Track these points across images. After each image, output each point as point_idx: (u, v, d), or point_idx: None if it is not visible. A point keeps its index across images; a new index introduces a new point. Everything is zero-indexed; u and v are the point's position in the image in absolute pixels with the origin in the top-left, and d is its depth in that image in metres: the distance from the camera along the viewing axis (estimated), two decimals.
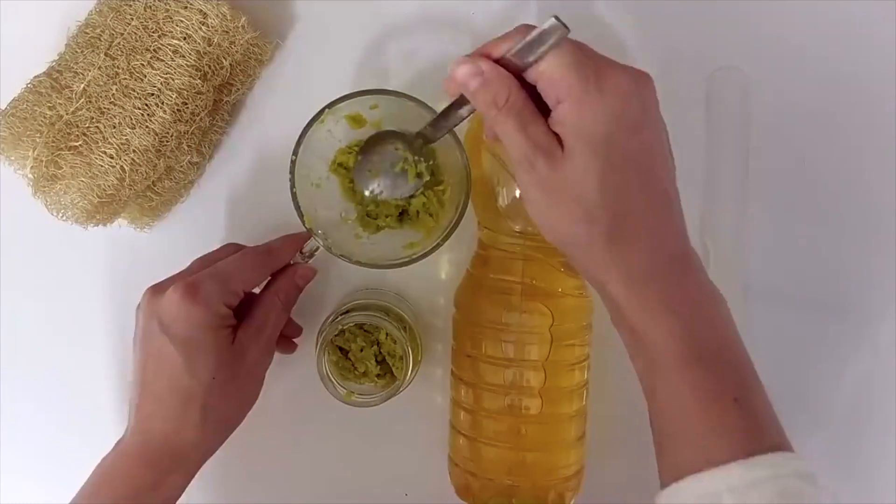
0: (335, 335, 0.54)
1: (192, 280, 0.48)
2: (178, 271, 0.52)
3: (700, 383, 0.40)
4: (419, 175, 0.51)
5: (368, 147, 0.51)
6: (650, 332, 0.41)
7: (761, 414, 0.41)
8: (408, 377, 0.54)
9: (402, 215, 0.54)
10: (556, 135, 0.40)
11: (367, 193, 0.52)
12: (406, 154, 0.50)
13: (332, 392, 0.53)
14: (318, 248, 0.52)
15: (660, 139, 0.41)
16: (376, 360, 0.55)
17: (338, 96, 0.50)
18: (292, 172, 0.50)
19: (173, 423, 0.49)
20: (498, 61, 0.40)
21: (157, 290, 0.49)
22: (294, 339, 0.57)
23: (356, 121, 0.53)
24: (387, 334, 0.55)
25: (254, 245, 0.53)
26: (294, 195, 0.50)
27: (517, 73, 0.40)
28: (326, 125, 0.51)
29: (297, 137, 0.50)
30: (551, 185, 0.40)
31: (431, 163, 0.51)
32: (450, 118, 0.45)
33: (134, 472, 0.49)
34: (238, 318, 0.50)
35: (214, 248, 0.54)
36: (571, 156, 0.39)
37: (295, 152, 0.50)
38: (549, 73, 0.39)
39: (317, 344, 0.54)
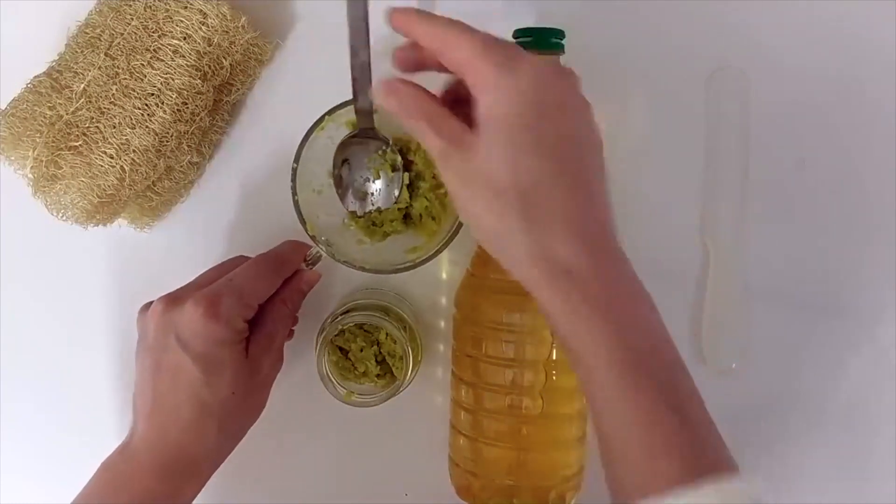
0: (335, 335, 0.54)
1: (211, 296, 0.47)
2: (180, 276, 0.51)
3: (635, 394, 0.38)
4: (394, 167, 0.51)
5: (339, 169, 0.52)
6: (579, 339, 0.38)
7: (700, 421, 0.39)
8: (408, 377, 0.54)
9: (406, 218, 0.54)
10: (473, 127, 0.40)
11: (363, 211, 0.52)
12: (373, 157, 0.51)
13: (332, 392, 0.53)
14: (321, 255, 0.52)
15: (581, 130, 0.40)
16: (376, 360, 0.55)
17: (338, 102, 0.49)
18: (294, 180, 0.49)
19: (190, 435, 0.48)
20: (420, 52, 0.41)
21: (172, 302, 0.48)
22: (291, 327, 0.57)
23: (356, 126, 0.52)
24: (387, 334, 0.55)
25: (261, 253, 0.52)
26: (296, 203, 0.49)
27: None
28: (327, 131, 0.51)
29: (296, 140, 0.49)
30: (467, 173, 0.39)
31: (392, 148, 0.51)
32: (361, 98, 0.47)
33: (147, 484, 0.48)
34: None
35: (213, 249, 0.54)
36: (483, 140, 0.39)
37: (296, 160, 0.49)
38: (463, 62, 0.39)
39: (317, 344, 0.54)
